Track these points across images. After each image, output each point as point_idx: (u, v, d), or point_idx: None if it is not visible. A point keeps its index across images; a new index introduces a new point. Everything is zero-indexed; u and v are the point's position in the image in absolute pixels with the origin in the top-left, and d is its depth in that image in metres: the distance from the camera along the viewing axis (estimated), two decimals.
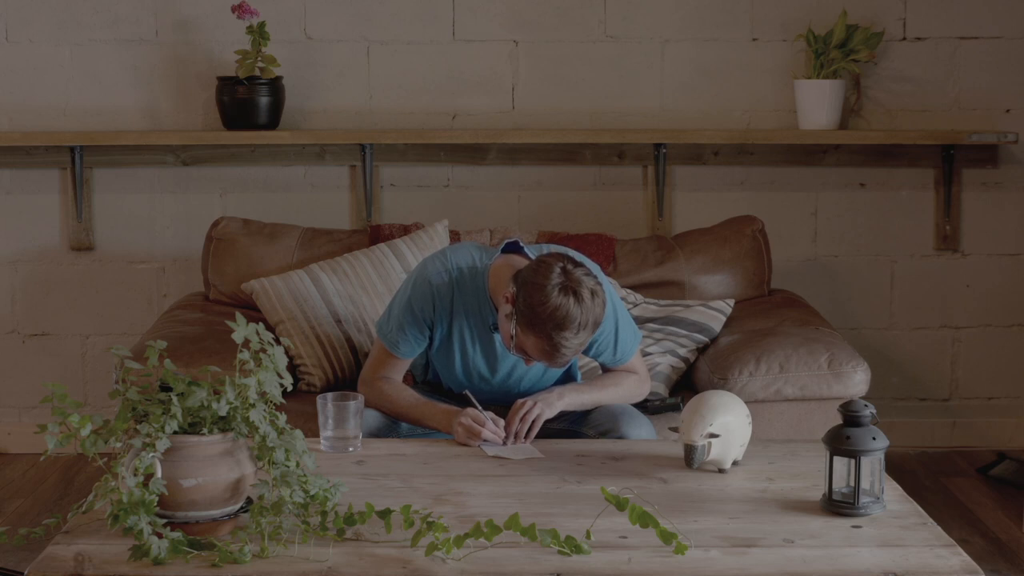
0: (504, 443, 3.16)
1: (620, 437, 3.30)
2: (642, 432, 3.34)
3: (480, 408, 3.23)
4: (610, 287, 3.39)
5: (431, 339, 3.39)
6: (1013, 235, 4.83)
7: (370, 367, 3.47)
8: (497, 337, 3.33)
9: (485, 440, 3.16)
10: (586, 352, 3.39)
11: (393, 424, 3.38)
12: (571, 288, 3.07)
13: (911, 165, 4.77)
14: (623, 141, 4.68)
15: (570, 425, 3.40)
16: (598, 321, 3.12)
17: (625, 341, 3.43)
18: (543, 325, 3.07)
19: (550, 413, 3.26)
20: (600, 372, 3.55)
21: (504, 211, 4.74)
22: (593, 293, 3.09)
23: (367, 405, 3.22)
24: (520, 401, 3.25)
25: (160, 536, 2.38)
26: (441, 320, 3.35)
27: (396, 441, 3.26)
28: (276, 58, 4.52)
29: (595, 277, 3.15)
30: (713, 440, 2.86)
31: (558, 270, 3.10)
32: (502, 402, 3.33)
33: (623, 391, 3.45)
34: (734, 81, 4.73)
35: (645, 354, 3.93)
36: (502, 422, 3.20)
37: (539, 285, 3.08)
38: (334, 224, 4.63)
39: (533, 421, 3.20)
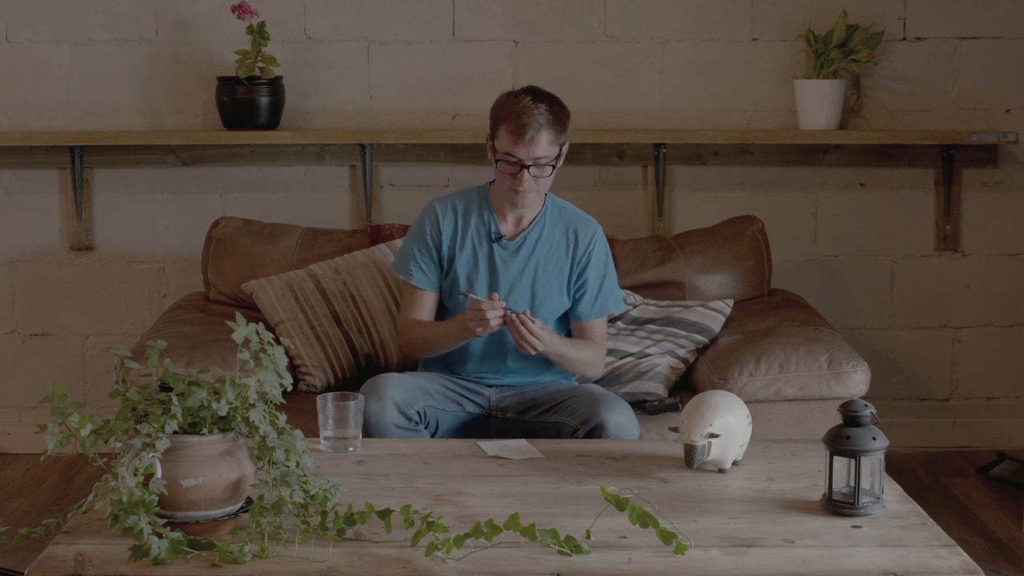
0: (502, 319, 3.40)
1: (600, 423, 3.36)
2: (622, 417, 3.39)
3: (480, 298, 3.43)
4: (607, 245, 3.70)
5: (441, 264, 3.60)
6: (1013, 235, 4.83)
7: (401, 316, 3.72)
8: (498, 249, 3.58)
9: (492, 325, 3.38)
10: (573, 282, 3.61)
11: (413, 425, 3.42)
12: (532, 87, 3.50)
13: (911, 165, 4.77)
14: (623, 141, 4.68)
15: (550, 416, 3.49)
16: (563, 108, 3.47)
17: (606, 296, 3.68)
18: (509, 108, 3.46)
19: (541, 347, 3.45)
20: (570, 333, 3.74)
21: None
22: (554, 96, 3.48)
23: (412, 357, 3.51)
24: (537, 321, 3.44)
25: (160, 536, 2.38)
26: (445, 233, 3.62)
27: (396, 441, 3.27)
28: (276, 58, 4.52)
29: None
30: (713, 440, 2.86)
31: (525, 88, 3.50)
32: (494, 359, 3.60)
33: (589, 355, 3.66)
34: (734, 81, 4.72)
35: (645, 355, 3.95)
36: (502, 303, 3.41)
37: (504, 94, 3.53)
38: (334, 224, 4.63)
39: (529, 331, 3.41)
